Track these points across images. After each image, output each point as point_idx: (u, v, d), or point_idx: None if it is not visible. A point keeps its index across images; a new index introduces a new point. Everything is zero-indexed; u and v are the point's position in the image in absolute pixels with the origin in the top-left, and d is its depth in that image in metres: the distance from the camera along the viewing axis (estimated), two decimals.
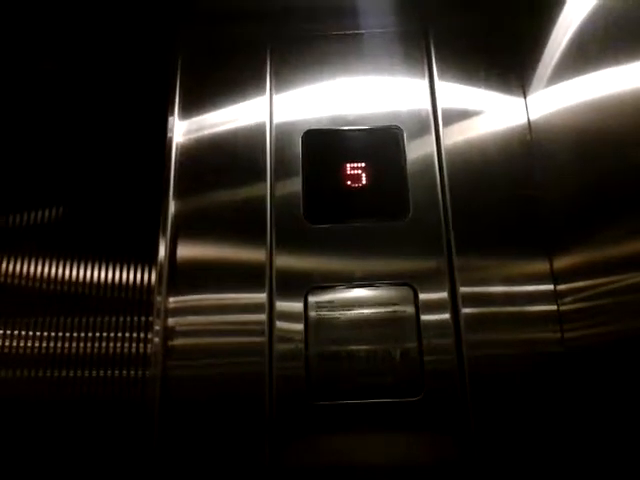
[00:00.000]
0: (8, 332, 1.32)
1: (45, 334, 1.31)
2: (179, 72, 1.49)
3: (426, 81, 1.45)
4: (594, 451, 1.12)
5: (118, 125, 1.49)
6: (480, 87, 1.43)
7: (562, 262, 1.22)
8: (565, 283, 1.21)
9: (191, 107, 1.46)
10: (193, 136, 1.43)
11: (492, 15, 1.48)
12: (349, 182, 1.37)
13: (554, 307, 1.22)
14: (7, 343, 1.32)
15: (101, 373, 1.28)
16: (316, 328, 1.24)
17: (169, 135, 1.42)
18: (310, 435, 1.19)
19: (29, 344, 1.31)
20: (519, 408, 1.17)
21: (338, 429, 1.19)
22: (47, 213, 1.42)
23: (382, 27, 1.51)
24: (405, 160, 1.37)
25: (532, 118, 1.37)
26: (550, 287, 1.24)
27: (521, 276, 1.25)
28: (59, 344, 1.30)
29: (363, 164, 1.38)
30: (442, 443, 1.18)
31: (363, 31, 1.51)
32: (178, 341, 1.24)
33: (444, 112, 1.41)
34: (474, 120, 1.40)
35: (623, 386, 1.00)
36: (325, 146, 1.41)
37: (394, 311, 1.24)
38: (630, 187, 0.95)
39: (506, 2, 1.46)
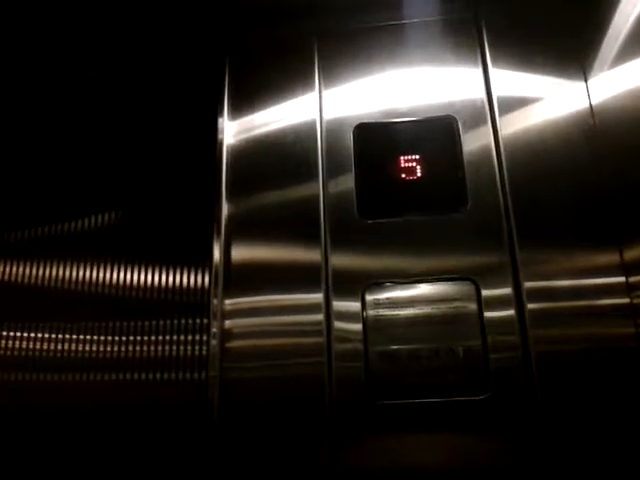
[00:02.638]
0: (68, 337, 1.39)
1: (103, 338, 1.38)
2: (227, 72, 1.54)
3: (480, 69, 1.45)
4: None
5: (169, 128, 1.54)
6: (537, 73, 1.42)
7: (634, 253, 1.20)
8: (638, 275, 1.19)
9: (240, 107, 1.50)
10: (243, 137, 1.48)
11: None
12: (404, 175, 1.38)
13: (626, 300, 1.20)
14: (68, 347, 1.39)
15: (160, 376, 1.32)
16: (375, 327, 1.26)
17: (219, 137, 1.47)
18: (371, 435, 1.21)
19: (88, 348, 1.37)
20: (590, 407, 1.16)
21: (399, 429, 1.21)
22: (104, 218, 1.49)
23: (431, 15, 1.52)
24: (461, 150, 1.38)
25: (594, 102, 1.36)
26: (622, 279, 1.22)
27: (589, 268, 1.24)
28: (118, 347, 1.36)
29: (417, 156, 1.39)
30: (509, 444, 1.18)
31: (412, 20, 1.52)
32: (235, 343, 1.29)
33: (500, 100, 1.40)
34: (532, 107, 1.39)
35: None
36: (377, 139, 1.43)
37: (456, 307, 1.25)
38: None
39: None
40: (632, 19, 1.17)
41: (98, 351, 1.38)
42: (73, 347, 1.39)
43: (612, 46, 1.25)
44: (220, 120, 1.49)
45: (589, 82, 1.38)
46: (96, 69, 1.60)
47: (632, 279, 1.21)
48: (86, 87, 1.61)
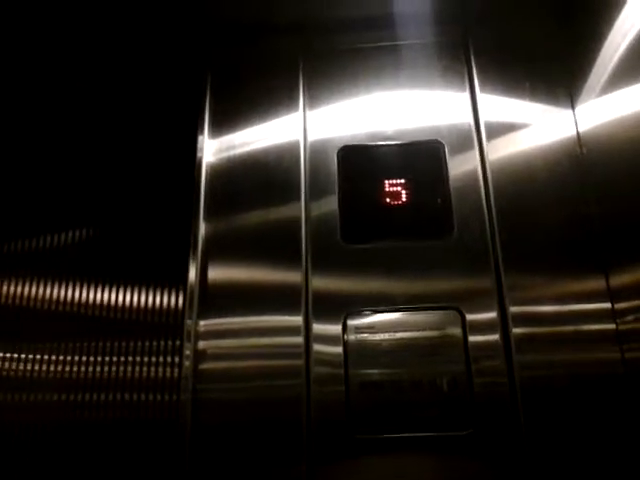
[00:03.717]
0: (39, 357, 1.36)
1: (75, 358, 1.34)
2: (209, 89, 1.54)
3: (467, 94, 1.47)
4: None
5: (147, 144, 1.54)
6: (525, 99, 1.44)
7: (620, 279, 1.21)
8: (624, 301, 1.19)
9: (221, 126, 1.50)
10: (224, 155, 1.47)
11: (537, 24, 1.51)
12: (388, 199, 1.38)
13: (612, 326, 1.21)
14: (38, 368, 1.35)
15: (131, 397, 1.30)
16: (356, 353, 1.24)
17: (199, 155, 1.47)
18: (348, 465, 1.19)
19: (59, 369, 1.34)
20: (577, 434, 1.15)
21: (379, 464, 1.18)
22: (76, 235, 1.47)
23: (419, 38, 1.54)
24: (447, 176, 1.38)
25: (581, 130, 1.38)
26: (607, 305, 1.22)
27: (575, 294, 1.24)
28: (89, 368, 1.33)
29: (403, 180, 1.39)
30: (494, 478, 1.16)
31: (400, 42, 1.54)
32: (210, 365, 1.26)
33: (487, 125, 1.42)
34: (520, 133, 1.41)
35: None
36: (362, 162, 1.43)
37: (440, 334, 1.24)
38: None
39: (552, 10, 1.49)
40: (621, 48, 1.20)
41: (70, 371, 1.34)
42: (44, 367, 1.35)
43: (601, 74, 1.28)
44: (200, 138, 1.49)
45: (576, 109, 1.41)
46: (76, 81, 1.60)
47: (618, 305, 1.21)
48: (60, 99, 1.60)
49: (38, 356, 1.36)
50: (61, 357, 1.35)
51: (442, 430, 1.18)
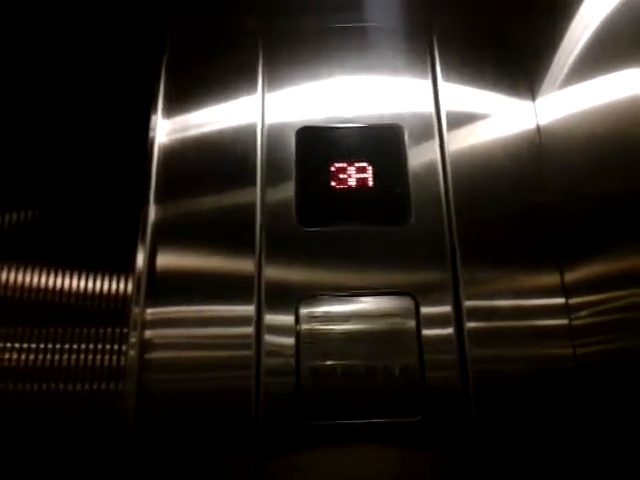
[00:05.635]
0: None
1: (14, 345, 1.32)
2: (164, 68, 1.51)
3: (429, 81, 1.48)
4: (605, 473, 1.13)
5: (95, 122, 1.51)
6: (487, 89, 1.47)
7: (574, 274, 1.25)
8: (577, 297, 1.23)
9: (176, 105, 1.48)
10: (177, 136, 1.45)
11: (499, 13, 1.52)
12: (347, 183, 1.38)
13: (565, 321, 1.24)
14: None
15: (72, 387, 1.28)
16: (308, 341, 1.24)
17: (151, 135, 1.44)
18: (299, 455, 1.19)
19: None
20: (527, 426, 1.19)
21: (330, 451, 1.20)
22: (19, 217, 1.43)
23: (383, 21, 1.55)
24: (406, 161, 1.39)
25: (542, 123, 1.41)
26: (561, 300, 1.26)
27: (530, 289, 1.27)
28: (29, 356, 1.31)
29: (362, 164, 1.40)
30: (445, 466, 1.19)
31: (363, 24, 1.54)
32: (156, 354, 1.25)
33: (448, 114, 1.44)
34: (480, 123, 1.43)
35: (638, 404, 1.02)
36: (320, 144, 1.43)
37: (393, 323, 1.25)
38: None
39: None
40: (582, 42, 1.23)
41: (6, 359, 1.32)
42: None
43: (563, 65, 1.30)
44: (153, 117, 1.45)
45: (537, 101, 1.43)
46: (19, 53, 1.55)
47: (572, 301, 1.25)
48: (4, 73, 1.55)
49: None
50: None
51: (394, 416, 1.20)
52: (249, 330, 1.26)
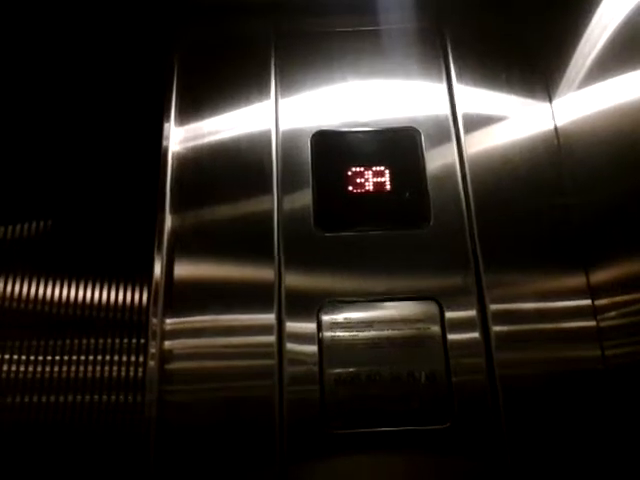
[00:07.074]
0: None
1: (32, 358, 1.32)
2: (176, 75, 1.51)
3: (444, 84, 1.49)
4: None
5: (109, 132, 1.52)
6: (502, 91, 1.47)
7: (600, 275, 1.24)
8: (604, 298, 1.22)
9: (189, 113, 1.48)
10: (191, 144, 1.45)
11: (513, 13, 1.53)
12: (365, 187, 1.38)
13: (593, 323, 1.23)
14: None
15: (92, 398, 1.28)
16: (331, 349, 1.24)
17: (164, 143, 1.44)
18: (324, 464, 1.19)
19: (15, 368, 1.31)
20: (558, 431, 1.18)
21: (356, 460, 1.19)
22: (33, 228, 1.43)
23: (396, 23, 1.55)
24: (424, 164, 1.39)
25: (559, 124, 1.41)
26: (588, 302, 1.25)
27: (555, 290, 1.27)
28: (47, 368, 1.31)
29: (380, 167, 1.40)
30: (475, 474, 1.18)
31: (376, 28, 1.55)
32: (176, 365, 1.24)
33: (465, 117, 1.44)
34: (497, 125, 1.43)
35: None
36: (336, 149, 1.43)
37: (418, 329, 1.25)
38: None
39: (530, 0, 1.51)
40: (599, 43, 1.23)
41: (27, 372, 1.32)
42: (2, 368, 1.33)
43: (580, 65, 1.30)
44: (166, 125, 1.46)
45: (554, 102, 1.43)
46: (34, 64, 1.56)
47: (598, 302, 1.24)
48: (15, 85, 1.56)
49: None
50: (16, 357, 1.33)
51: (421, 424, 1.19)
52: (271, 339, 1.25)
